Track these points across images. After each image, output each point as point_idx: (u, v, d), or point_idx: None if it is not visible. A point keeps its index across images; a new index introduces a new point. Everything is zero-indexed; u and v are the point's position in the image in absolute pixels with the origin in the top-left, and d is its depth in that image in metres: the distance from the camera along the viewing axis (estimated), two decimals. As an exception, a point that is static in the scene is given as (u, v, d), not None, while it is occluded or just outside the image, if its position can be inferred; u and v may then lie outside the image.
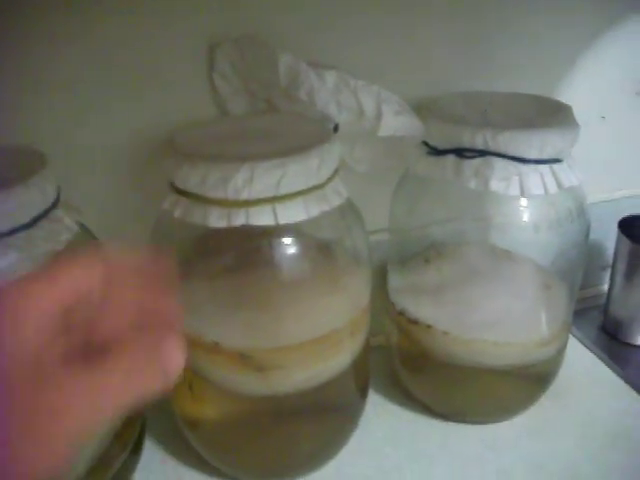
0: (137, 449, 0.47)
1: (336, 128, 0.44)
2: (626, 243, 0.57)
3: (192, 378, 0.43)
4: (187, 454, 0.49)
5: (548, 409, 0.53)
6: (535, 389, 0.52)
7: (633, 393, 0.55)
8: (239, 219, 0.36)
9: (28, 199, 0.36)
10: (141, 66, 0.45)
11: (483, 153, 0.42)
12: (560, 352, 0.51)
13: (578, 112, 0.51)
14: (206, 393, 0.44)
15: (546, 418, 0.52)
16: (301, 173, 0.37)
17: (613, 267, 0.59)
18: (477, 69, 0.54)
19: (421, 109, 0.46)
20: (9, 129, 0.44)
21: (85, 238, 0.41)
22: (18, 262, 0.35)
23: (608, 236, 0.60)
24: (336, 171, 0.40)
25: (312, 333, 0.40)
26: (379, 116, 0.43)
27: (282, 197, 0.37)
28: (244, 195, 0.36)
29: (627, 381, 0.56)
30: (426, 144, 0.46)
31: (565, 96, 0.56)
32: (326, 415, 0.46)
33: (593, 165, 0.61)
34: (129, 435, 0.45)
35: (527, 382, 0.51)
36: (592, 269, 0.66)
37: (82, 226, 0.41)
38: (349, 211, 0.43)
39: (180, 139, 0.40)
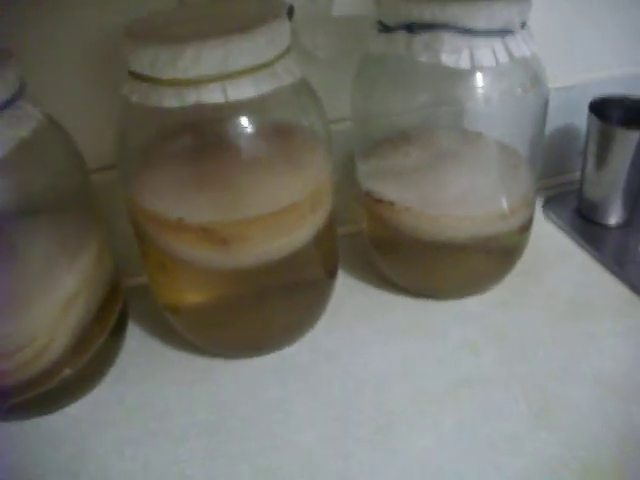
0: (119, 331, 0.51)
1: (291, 12, 0.45)
2: (596, 124, 0.57)
3: (163, 258, 0.46)
4: (169, 337, 0.52)
5: (516, 285, 0.55)
6: (501, 264, 0.53)
7: (600, 267, 0.57)
8: (191, 97, 0.38)
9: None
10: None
11: (432, 27, 0.43)
12: (524, 227, 0.52)
13: (545, -9, 0.50)
14: (178, 271, 0.46)
15: (513, 293, 0.54)
16: (248, 50, 0.38)
17: (585, 149, 0.60)
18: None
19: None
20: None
21: (52, 128, 0.44)
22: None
23: (583, 120, 0.60)
24: (287, 50, 0.42)
25: (271, 207, 0.42)
26: (330, -4, 0.44)
27: (231, 74, 0.38)
28: (193, 73, 0.38)
29: (596, 258, 0.58)
30: (380, 23, 0.46)
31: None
32: (295, 292, 0.49)
33: (563, 48, 0.61)
34: (110, 314, 0.49)
35: (493, 257, 0.53)
36: (567, 154, 0.67)
37: (50, 119, 0.43)
38: (305, 91, 0.44)
39: (136, 26, 0.42)
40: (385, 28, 0.46)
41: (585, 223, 0.62)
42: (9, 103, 0.39)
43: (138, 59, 0.39)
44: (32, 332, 0.43)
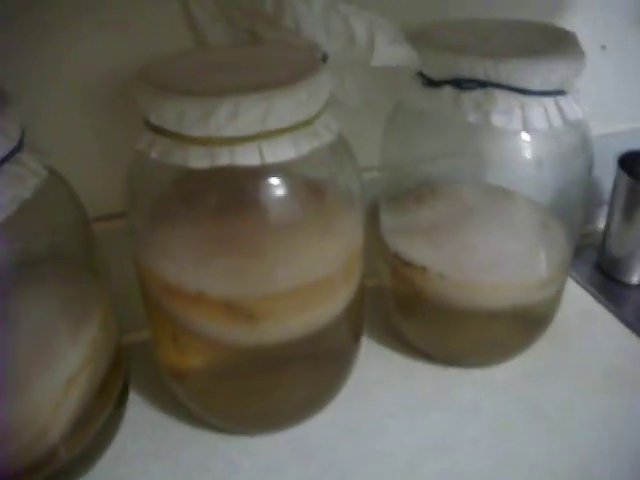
0: (121, 403, 0.45)
1: (325, 58, 0.41)
2: (625, 179, 0.55)
3: (176, 330, 0.41)
4: (173, 407, 0.47)
5: (544, 351, 0.51)
6: (533, 332, 0.50)
7: (627, 332, 0.54)
8: (223, 159, 0.33)
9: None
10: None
11: (483, 84, 0.39)
12: (559, 293, 0.49)
13: (577, 41, 0.47)
14: (192, 345, 0.41)
15: (542, 360, 0.51)
16: (289, 107, 0.34)
17: (611, 204, 0.57)
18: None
19: (415, 37, 0.42)
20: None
21: (55, 184, 0.38)
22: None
23: (605, 172, 0.57)
24: (326, 104, 0.37)
25: (304, 279, 0.38)
26: (371, 45, 0.40)
27: (269, 133, 0.34)
28: (227, 132, 0.33)
29: (622, 320, 0.55)
30: (421, 75, 0.42)
31: (563, 23, 0.52)
32: (319, 362, 0.44)
33: (591, 97, 0.59)
34: (113, 387, 0.43)
35: (525, 325, 0.49)
36: (587, 206, 0.64)
37: (51, 170, 0.38)
38: (340, 148, 0.40)
39: (155, 71, 0.37)
40: (428, 82, 0.42)
41: (606, 280, 0.59)
42: (9, 158, 0.34)
43: (161, 112, 0.34)
44: (26, 420, 0.37)
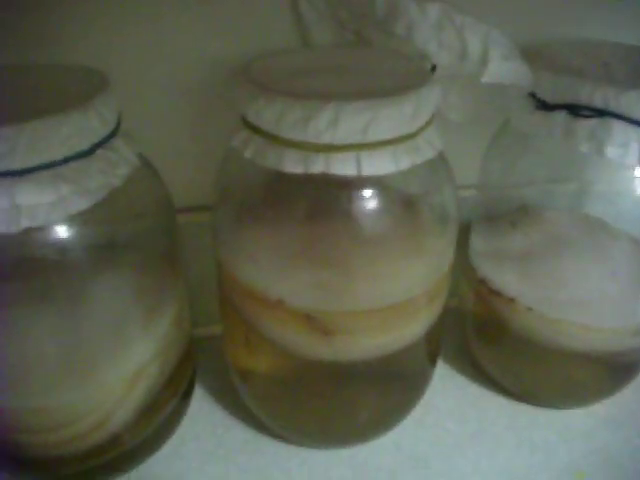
0: (187, 395, 0.45)
1: (433, 69, 0.39)
2: None
3: (249, 332, 0.40)
4: (237, 407, 0.46)
5: (628, 398, 0.48)
6: (620, 379, 0.46)
7: None
8: (317, 166, 0.32)
9: (85, 124, 0.31)
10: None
11: (601, 113, 0.37)
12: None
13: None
14: (263, 349, 0.40)
15: (625, 408, 0.47)
16: (393, 119, 0.32)
17: None
18: (591, 14, 0.47)
19: (530, 55, 0.40)
20: (68, 50, 0.40)
21: (146, 173, 0.38)
22: (69, 196, 0.31)
23: None
24: (432, 119, 0.35)
25: (388, 298, 0.36)
26: (485, 60, 0.37)
27: (369, 145, 0.32)
28: (326, 139, 0.31)
29: None
30: (533, 96, 0.40)
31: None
32: (391, 383, 0.42)
33: None
34: (181, 381, 0.43)
35: (612, 370, 0.46)
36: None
37: (143, 159, 0.37)
38: (440, 164, 0.38)
39: (257, 69, 0.36)
40: (541, 104, 0.39)
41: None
42: (103, 143, 0.33)
43: (260, 111, 0.33)
44: (91, 405, 0.36)
